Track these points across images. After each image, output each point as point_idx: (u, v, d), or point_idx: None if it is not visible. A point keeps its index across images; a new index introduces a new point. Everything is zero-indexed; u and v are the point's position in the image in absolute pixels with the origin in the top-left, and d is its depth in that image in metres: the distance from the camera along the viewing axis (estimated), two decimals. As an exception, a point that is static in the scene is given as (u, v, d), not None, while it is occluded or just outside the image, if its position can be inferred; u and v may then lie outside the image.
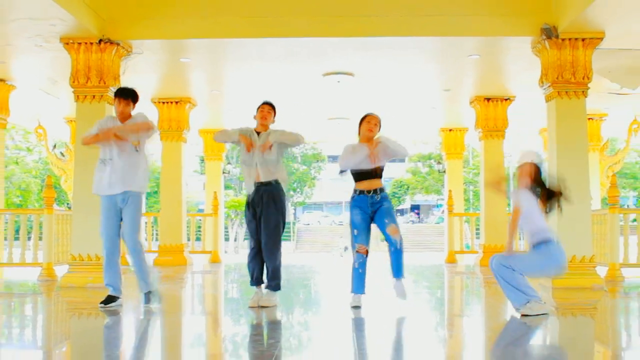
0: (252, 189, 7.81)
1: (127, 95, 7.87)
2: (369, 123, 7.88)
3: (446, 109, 16.82)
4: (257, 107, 8.09)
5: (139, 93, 8.07)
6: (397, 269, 7.76)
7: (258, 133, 7.92)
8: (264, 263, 7.87)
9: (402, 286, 7.78)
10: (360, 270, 7.76)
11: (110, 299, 7.74)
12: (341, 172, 7.97)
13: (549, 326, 6.89)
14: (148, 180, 7.94)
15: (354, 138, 8.34)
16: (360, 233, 7.79)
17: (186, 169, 15.97)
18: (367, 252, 7.78)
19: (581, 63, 10.23)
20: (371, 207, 7.78)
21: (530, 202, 7.24)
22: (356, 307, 7.66)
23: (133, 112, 7.97)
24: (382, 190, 7.84)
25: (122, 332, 6.67)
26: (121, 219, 7.73)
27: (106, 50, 10.46)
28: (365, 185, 7.80)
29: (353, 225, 7.83)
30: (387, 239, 7.72)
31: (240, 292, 10.26)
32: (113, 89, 10.52)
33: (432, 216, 72.30)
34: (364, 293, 7.80)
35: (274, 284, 7.86)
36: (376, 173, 7.82)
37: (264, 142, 7.78)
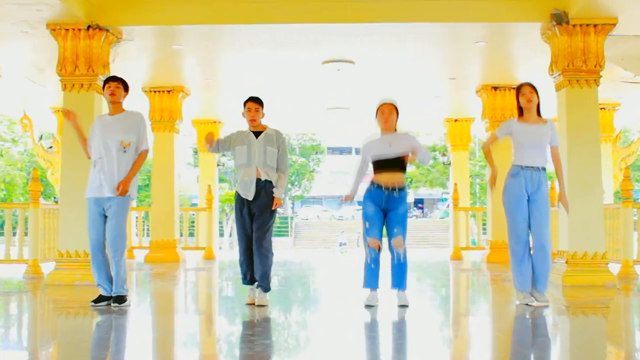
0: (251, 187, 7.74)
1: (117, 79, 7.90)
2: (383, 113, 7.79)
3: (451, 98, 16.79)
4: (243, 102, 8.01)
5: (129, 84, 8.08)
6: (399, 281, 7.64)
7: (255, 133, 7.88)
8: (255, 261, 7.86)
9: (404, 295, 7.69)
10: (372, 266, 7.65)
11: (101, 299, 7.75)
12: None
13: (559, 326, 6.90)
14: (137, 184, 7.93)
15: (365, 127, 8.30)
16: (372, 226, 7.66)
17: (179, 161, 15.95)
18: (379, 247, 7.63)
19: (593, 50, 10.21)
20: (386, 204, 7.63)
21: None
22: (369, 306, 7.57)
23: (127, 107, 7.98)
24: (402, 188, 7.64)
25: (112, 332, 6.66)
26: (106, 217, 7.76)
27: (95, 36, 10.42)
28: (385, 178, 7.61)
29: (365, 217, 7.73)
30: (390, 249, 7.65)
31: (235, 290, 10.25)
32: (102, 77, 10.48)
33: (436, 211, 72.39)
34: (377, 287, 7.69)
35: (265, 285, 7.81)
36: (398, 163, 7.65)
37: (263, 146, 7.79)
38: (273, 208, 7.77)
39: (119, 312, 7.38)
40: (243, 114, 7.98)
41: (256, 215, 7.75)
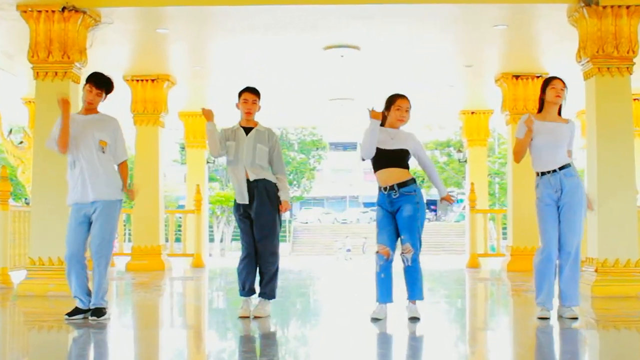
0: (242, 189, 7.80)
1: (101, 85, 7.83)
2: (399, 110, 7.71)
3: (467, 88, 16.80)
4: (238, 93, 8.08)
5: (112, 78, 8.04)
6: (412, 290, 7.62)
7: (245, 129, 7.92)
8: (257, 270, 7.91)
9: (414, 307, 7.65)
10: (382, 275, 7.62)
11: (77, 311, 7.73)
12: (363, 159, 7.89)
13: (588, 341, 6.89)
14: (119, 184, 7.88)
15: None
16: (382, 231, 7.65)
17: (164, 158, 15.98)
18: (389, 254, 7.58)
19: (625, 34, 10.20)
20: (390, 205, 7.62)
21: None
22: (376, 320, 7.56)
23: (101, 109, 7.96)
24: (402, 185, 7.57)
25: (90, 348, 6.66)
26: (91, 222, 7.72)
27: (70, 19, 10.41)
28: (382, 177, 7.64)
29: (376, 222, 7.77)
30: (400, 255, 7.64)
31: (226, 301, 10.26)
32: (78, 65, 10.49)
33: (451, 213, 72.40)
34: (391, 301, 7.68)
35: (269, 292, 7.93)
36: (395, 159, 7.61)
37: (253, 143, 7.81)
38: (281, 212, 7.85)
39: (98, 326, 7.37)
40: (237, 105, 8.01)
41: (255, 219, 7.80)
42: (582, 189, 7.68)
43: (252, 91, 7.98)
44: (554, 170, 7.60)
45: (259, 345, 6.68)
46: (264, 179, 7.82)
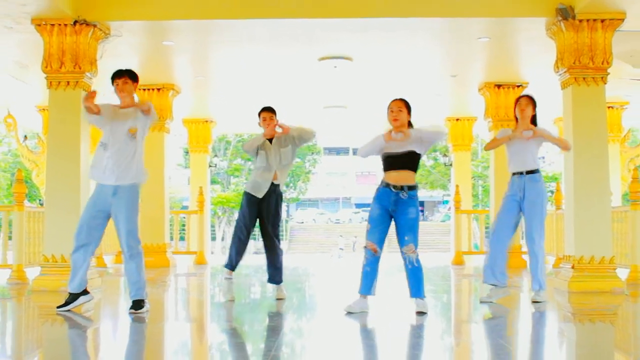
0: (264, 187, 8.86)
1: (122, 73, 7.83)
2: (392, 112, 7.72)
3: (452, 96, 16.79)
4: (257, 113, 9.06)
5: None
6: (417, 289, 7.65)
7: (270, 140, 8.97)
8: (245, 251, 8.98)
9: (422, 302, 7.67)
10: (367, 269, 7.68)
11: (71, 299, 7.83)
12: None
13: (565, 333, 6.90)
14: (143, 170, 7.85)
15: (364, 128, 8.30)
16: (374, 229, 7.68)
17: (169, 162, 15.94)
18: (376, 250, 7.63)
19: (600, 46, 10.21)
20: (394, 204, 7.60)
21: None
22: (349, 314, 7.59)
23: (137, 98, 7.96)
24: (412, 188, 7.59)
25: (99, 340, 6.65)
26: (109, 216, 7.71)
27: (82, 32, 10.41)
28: (393, 177, 7.59)
29: (369, 219, 7.76)
30: (403, 255, 7.67)
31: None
32: (89, 75, 10.49)
33: (437, 213, 72.42)
34: (371, 294, 7.72)
35: (279, 278, 9.02)
36: (408, 162, 7.60)
37: (277, 149, 8.95)
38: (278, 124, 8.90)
39: (107, 319, 7.36)
40: (259, 124, 8.97)
41: (267, 217, 8.86)
42: (544, 194, 8.50)
43: (269, 110, 9.02)
44: (521, 173, 8.44)
45: (257, 337, 6.67)
46: (279, 185, 8.99)
